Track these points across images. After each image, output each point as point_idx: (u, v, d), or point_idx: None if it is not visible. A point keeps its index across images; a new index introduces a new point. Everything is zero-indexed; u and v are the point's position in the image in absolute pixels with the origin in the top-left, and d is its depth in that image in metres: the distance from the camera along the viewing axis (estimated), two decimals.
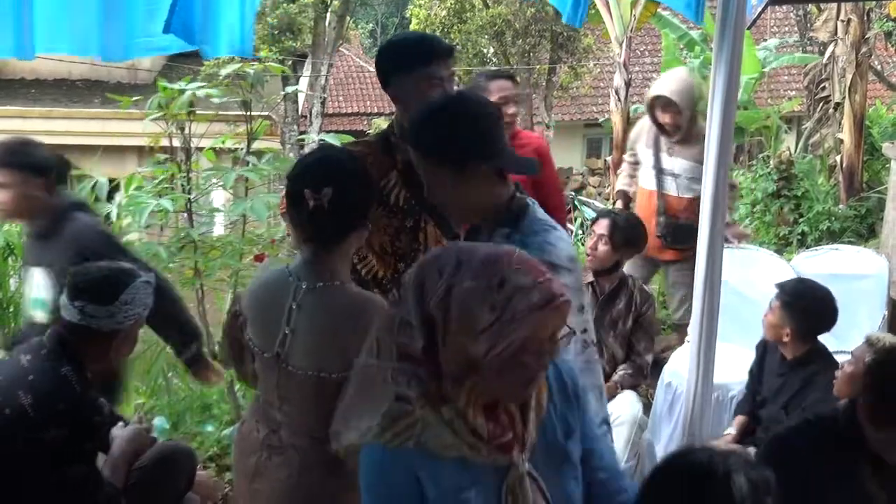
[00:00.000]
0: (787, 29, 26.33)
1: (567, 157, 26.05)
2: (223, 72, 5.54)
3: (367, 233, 3.21)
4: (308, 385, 3.12)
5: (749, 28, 11.01)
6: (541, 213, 3.15)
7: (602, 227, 5.75)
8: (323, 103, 23.64)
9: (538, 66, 24.31)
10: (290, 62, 23.72)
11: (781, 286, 5.11)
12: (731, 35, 4.78)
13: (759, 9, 5.94)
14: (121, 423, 4.16)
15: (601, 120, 17.61)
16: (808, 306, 5.02)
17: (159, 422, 5.66)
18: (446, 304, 2.12)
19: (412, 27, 25.60)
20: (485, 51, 24.68)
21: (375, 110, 31.11)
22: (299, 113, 24.53)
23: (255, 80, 5.50)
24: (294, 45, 23.45)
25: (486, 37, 23.79)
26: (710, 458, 2.13)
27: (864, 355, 4.37)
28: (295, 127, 23.05)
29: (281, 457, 3.20)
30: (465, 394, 2.17)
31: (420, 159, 3.06)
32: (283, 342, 3.16)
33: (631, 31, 9.87)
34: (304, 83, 24.63)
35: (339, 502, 3.12)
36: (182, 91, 5.37)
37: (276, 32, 22.89)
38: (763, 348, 5.37)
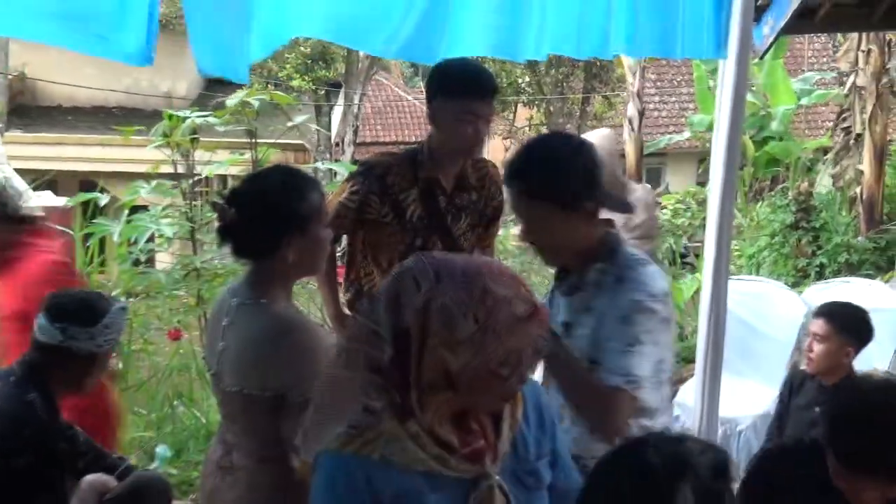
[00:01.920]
0: (825, 60, 26.15)
1: None
2: (229, 101, 5.56)
3: (307, 253, 3.11)
4: (238, 402, 3.10)
5: (762, 57, 10.92)
6: (632, 250, 3.13)
7: None
8: (356, 132, 23.73)
9: (572, 96, 24.30)
10: (323, 91, 23.91)
11: (827, 314, 4.99)
12: (734, 65, 4.74)
13: (771, 39, 5.91)
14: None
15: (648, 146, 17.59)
16: (861, 322, 4.96)
17: (161, 450, 5.65)
18: (425, 316, 2.07)
19: None
20: (519, 80, 24.71)
21: (414, 139, 31.12)
22: (332, 141, 24.65)
23: (260, 109, 5.52)
24: (327, 74, 23.61)
25: (521, 67, 23.81)
26: (656, 460, 1.93)
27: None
28: (327, 155, 23.14)
29: (231, 477, 3.16)
30: (433, 407, 2.12)
31: (523, 199, 3.01)
32: (219, 359, 3.16)
33: (645, 61, 9.81)
34: (337, 112, 24.75)
35: None
36: (184, 119, 5.40)
37: (310, 62, 23.06)
38: (790, 388, 5.26)
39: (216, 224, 3.09)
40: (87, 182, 16.39)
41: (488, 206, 4.21)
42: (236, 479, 3.15)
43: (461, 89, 3.84)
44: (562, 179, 2.97)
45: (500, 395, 2.17)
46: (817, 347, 4.94)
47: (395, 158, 4.15)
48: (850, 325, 4.95)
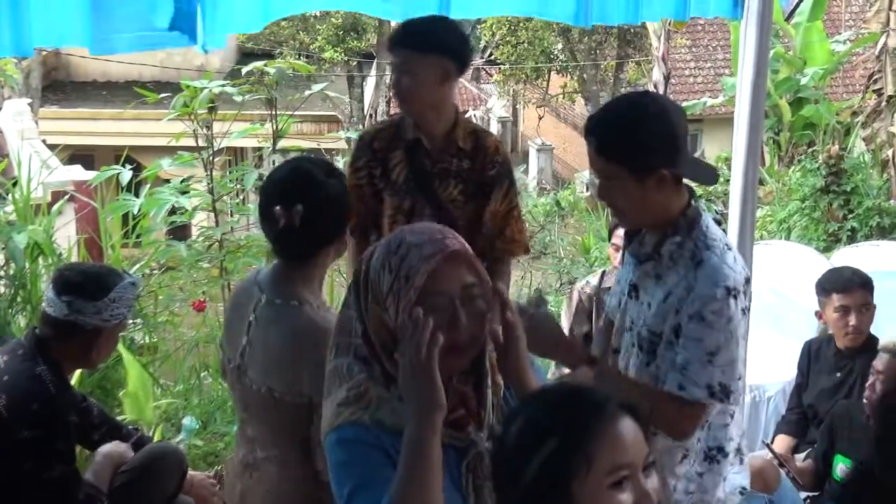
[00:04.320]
0: (862, 24, 25.75)
1: None
2: (244, 70, 5.54)
3: (342, 248, 3.15)
4: (263, 400, 3.03)
5: (788, 19, 10.67)
6: (713, 226, 3.06)
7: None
8: (388, 102, 23.67)
9: (605, 63, 24.11)
10: (355, 62, 23.86)
11: (866, 282, 5.00)
12: (756, 27, 4.69)
13: None
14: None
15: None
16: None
17: (188, 421, 5.68)
18: (365, 283, 2.20)
19: (483, 26, 25.57)
20: (552, 48, 24.55)
21: None
22: (365, 112, 24.62)
23: (278, 77, 5.50)
24: (359, 45, 23.56)
25: (553, 34, 23.67)
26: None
27: (890, 369, 4.27)
28: (360, 126, 23.13)
29: (259, 472, 3.10)
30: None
31: (595, 156, 2.97)
32: (242, 353, 3.08)
33: (670, 25, 9.68)
34: (370, 83, 24.71)
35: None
36: (202, 89, 5.38)
37: (341, 33, 23.02)
38: (807, 356, 5.22)
39: (274, 227, 2.98)
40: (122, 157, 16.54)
41: (483, 175, 4.11)
42: (264, 473, 3.09)
43: (388, 42, 3.93)
44: (633, 142, 2.89)
45: (450, 348, 2.14)
46: (866, 317, 4.92)
47: (383, 123, 4.24)
48: (872, 287, 4.96)
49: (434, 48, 3.85)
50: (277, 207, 2.95)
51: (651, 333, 2.99)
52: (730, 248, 3.00)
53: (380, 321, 2.17)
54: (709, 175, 3.16)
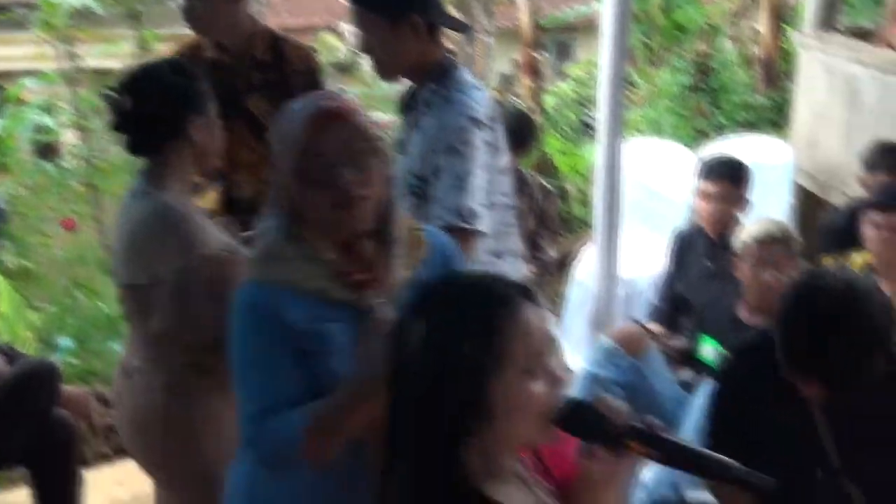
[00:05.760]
0: None
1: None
2: None
3: (201, 152, 3.07)
4: (124, 296, 3.06)
5: None
6: (469, 75, 3.29)
7: None
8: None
9: None
10: None
11: (727, 171, 4.97)
12: None
13: None
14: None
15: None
16: (748, 172, 4.97)
17: (64, 342, 5.63)
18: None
19: None
20: None
21: (322, 23, 30.57)
22: None
23: None
24: None
25: None
26: None
27: (752, 255, 4.30)
28: None
29: (130, 381, 3.12)
30: (312, 229, 2.24)
31: (357, 9, 3.18)
32: (113, 255, 3.12)
33: None
34: None
35: (178, 426, 3.05)
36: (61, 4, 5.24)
37: None
38: (679, 245, 5.23)
39: (110, 118, 2.99)
40: None
41: (289, 87, 3.96)
42: (133, 384, 3.11)
43: None
44: None
45: (342, 199, 2.20)
46: (729, 208, 4.89)
47: (181, 48, 4.13)
48: (743, 179, 4.94)
49: None
50: (108, 100, 3.00)
51: (417, 178, 3.19)
52: (480, 90, 3.25)
53: (286, 186, 2.21)
54: (460, 24, 3.51)
